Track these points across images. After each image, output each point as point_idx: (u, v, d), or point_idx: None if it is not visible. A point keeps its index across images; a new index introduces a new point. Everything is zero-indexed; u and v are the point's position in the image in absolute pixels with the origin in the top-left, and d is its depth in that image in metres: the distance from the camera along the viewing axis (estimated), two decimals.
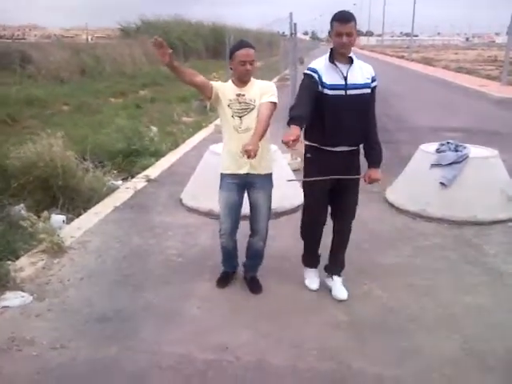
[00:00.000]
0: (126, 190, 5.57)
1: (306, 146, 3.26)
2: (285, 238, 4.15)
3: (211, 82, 3.13)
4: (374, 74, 3.12)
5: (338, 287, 3.35)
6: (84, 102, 11.77)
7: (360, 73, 3.06)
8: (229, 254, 3.50)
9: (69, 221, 4.62)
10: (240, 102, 3.08)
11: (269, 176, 3.25)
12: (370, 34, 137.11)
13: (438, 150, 5.06)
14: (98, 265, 3.80)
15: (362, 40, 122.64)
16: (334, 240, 3.40)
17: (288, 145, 2.63)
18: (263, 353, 2.75)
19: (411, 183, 5.13)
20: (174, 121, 10.20)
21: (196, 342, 2.86)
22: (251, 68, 3.04)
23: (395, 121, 10.48)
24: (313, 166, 3.19)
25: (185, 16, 32.75)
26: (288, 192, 4.61)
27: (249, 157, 2.83)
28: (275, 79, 16.93)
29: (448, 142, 5.12)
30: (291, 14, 6.60)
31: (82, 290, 3.43)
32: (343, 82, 3.00)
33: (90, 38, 33.84)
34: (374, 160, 3.22)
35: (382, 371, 2.61)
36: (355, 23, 2.95)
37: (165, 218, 4.80)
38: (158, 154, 7.22)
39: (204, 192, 4.75)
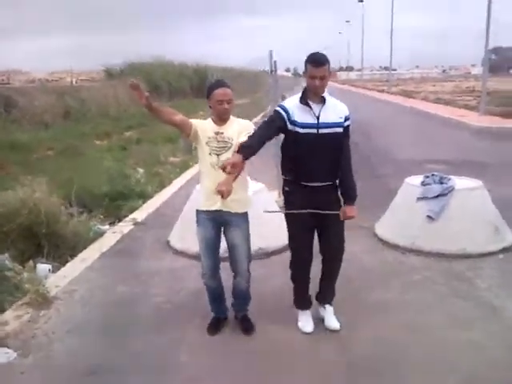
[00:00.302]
0: (112, 235, 5.49)
1: (283, 180, 3.33)
2: (276, 278, 4.09)
3: (191, 120, 3.17)
4: (347, 114, 3.18)
5: (330, 317, 3.36)
6: (69, 146, 11.73)
7: (333, 112, 3.13)
8: (215, 296, 3.44)
9: (55, 269, 4.51)
10: (218, 141, 3.11)
11: (245, 215, 3.24)
12: (350, 69, 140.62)
13: (422, 182, 5.08)
14: (84, 315, 3.70)
15: (343, 75, 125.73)
16: (324, 274, 3.39)
17: (226, 171, 2.77)
18: None
19: (399, 217, 5.13)
20: (160, 161, 10.20)
21: None
22: (229, 107, 3.10)
23: (378, 154, 10.57)
24: (291, 200, 3.24)
25: (168, 56, 33.19)
26: (277, 230, 4.56)
27: (222, 196, 2.87)
28: (259, 116, 17.19)
29: (432, 175, 5.15)
30: (271, 52, 6.73)
31: (67, 342, 3.32)
32: (315, 121, 3.07)
33: (74, 80, 33.96)
34: (349, 197, 3.27)
35: None
36: (329, 65, 3.05)
37: (152, 263, 4.71)
38: (144, 196, 7.17)
39: (192, 233, 4.66)
